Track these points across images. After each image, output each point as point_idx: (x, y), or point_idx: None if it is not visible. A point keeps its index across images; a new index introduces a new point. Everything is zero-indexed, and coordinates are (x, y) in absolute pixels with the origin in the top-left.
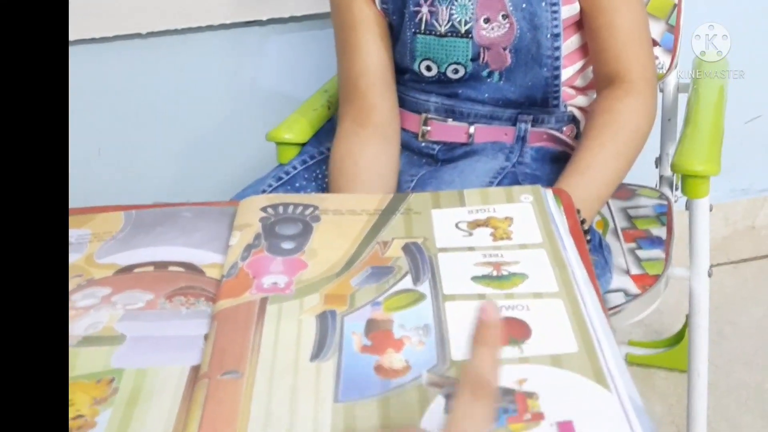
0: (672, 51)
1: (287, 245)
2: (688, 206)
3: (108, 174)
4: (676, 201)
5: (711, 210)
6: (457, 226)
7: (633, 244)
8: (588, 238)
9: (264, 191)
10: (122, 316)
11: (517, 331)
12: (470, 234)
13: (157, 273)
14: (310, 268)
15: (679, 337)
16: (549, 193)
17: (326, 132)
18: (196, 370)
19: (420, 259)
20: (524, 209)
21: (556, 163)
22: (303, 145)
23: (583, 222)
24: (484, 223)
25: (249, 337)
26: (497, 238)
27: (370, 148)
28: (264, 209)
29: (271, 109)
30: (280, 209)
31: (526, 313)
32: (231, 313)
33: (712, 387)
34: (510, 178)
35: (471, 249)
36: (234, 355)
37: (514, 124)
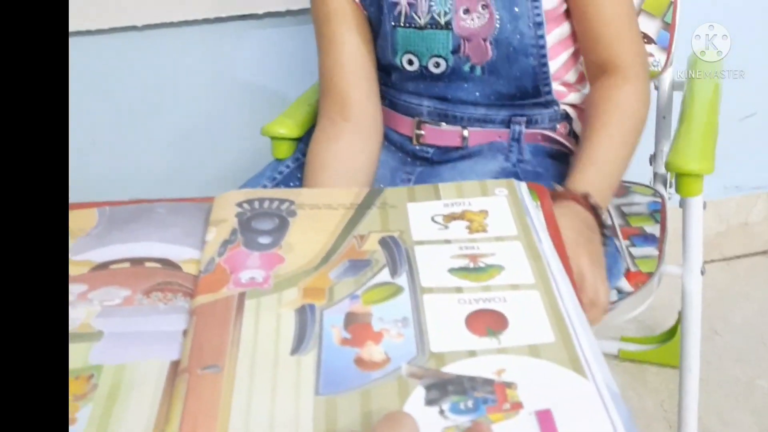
0: (667, 49)
1: (264, 240)
2: (682, 204)
3: (102, 166)
4: (669, 198)
5: (705, 207)
6: (432, 219)
7: (627, 242)
8: (609, 223)
9: None
10: (99, 313)
11: (494, 322)
12: (446, 227)
13: (133, 269)
14: (287, 262)
15: (671, 333)
16: (523, 186)
17: None
18: (175, 365)
19: (397, 252)
20: (499, 202)
21: (554, 159)
22: (297, 139)
23: (598, 209)
24: (460, 216)
25: (228, 332)
26: (473, 231)
27: (341, 143)
28: (239, 204)
29: (267, 103)
30: (256, 204)
31: (503, 304)
32: (209, 308)
33: (704, 383)
34: (512, 177)
35: (447, 242)
36: (213, 349)
37: (508, 126)
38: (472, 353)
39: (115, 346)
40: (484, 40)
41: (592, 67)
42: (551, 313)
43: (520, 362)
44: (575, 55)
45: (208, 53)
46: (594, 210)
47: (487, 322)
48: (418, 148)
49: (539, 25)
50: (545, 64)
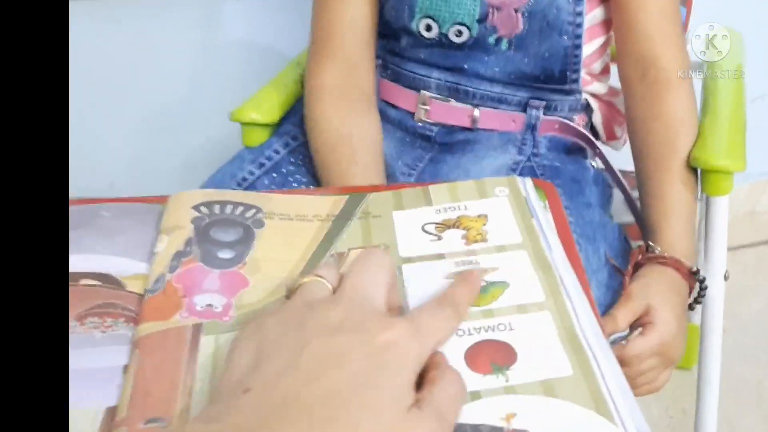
0: (684, 24)
1: (225, 254)
2: (706, 203)
3: None
4: None
5: None
6: (423, 229)
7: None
8: (706, 285)
9: (245, 179)
10: None
11: (500, 355)
12: (439, 238)
13: None
14: (252, 286)
15: None
16: (529, 183)
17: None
18: (112, 413)
19: None
20: (500, 204)
21: (571, 154)
22: (271, 125)
23: (698, 272)
24: (455, 224)
25: (179, 375)
26: (471, 241)
27: (355, 114)
28: (197, 208)
29: (238, 83)
30: (216, 209)
31: (509, 333)
32: (157, 341)
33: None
34: (527, 172)
35: (441, 256)
36: (160, 396)
37: (524, 111)
38: (475, 395)
39: None
40: (516, 10)
41: (628, 60)
42: (566, 338)
43: (533, 403)
44: (605, 45)
45: (175, 30)
46: (691, 275)
47: (492, 355)
48: (420, 125)
49: (579, 0)
50: (579, 46)
